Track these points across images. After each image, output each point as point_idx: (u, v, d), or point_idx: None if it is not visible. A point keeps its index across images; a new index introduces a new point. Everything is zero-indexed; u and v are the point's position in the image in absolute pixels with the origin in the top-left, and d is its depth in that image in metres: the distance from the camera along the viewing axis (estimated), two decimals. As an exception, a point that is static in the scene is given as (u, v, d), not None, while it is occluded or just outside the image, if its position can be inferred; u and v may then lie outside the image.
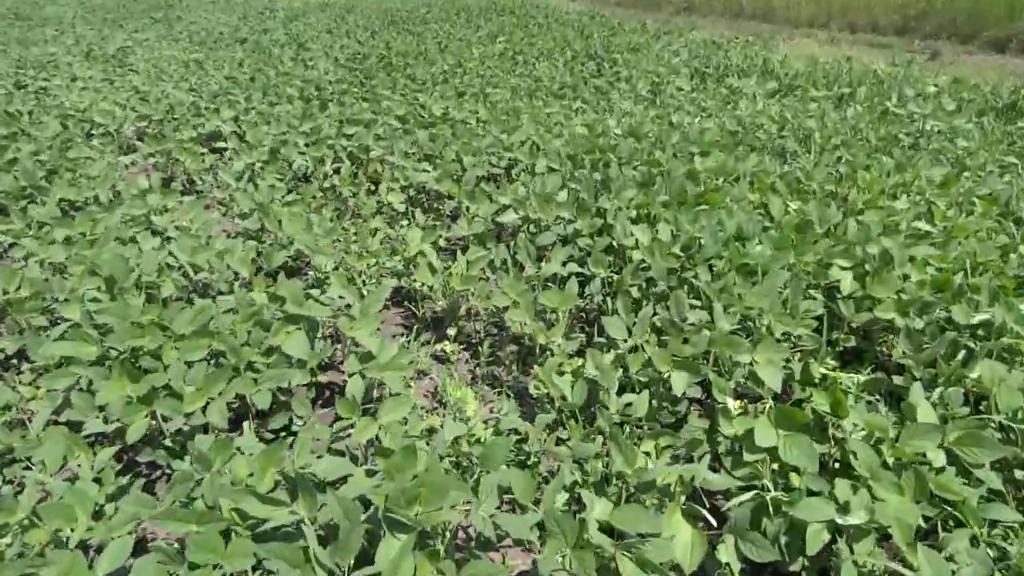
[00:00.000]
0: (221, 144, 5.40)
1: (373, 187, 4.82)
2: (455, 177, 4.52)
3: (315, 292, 2.78)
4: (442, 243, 3.86)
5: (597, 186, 3.85)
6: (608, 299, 2.99)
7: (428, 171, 4.45)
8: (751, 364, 2.28)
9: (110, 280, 2.69)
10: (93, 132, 6.20)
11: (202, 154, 5.23)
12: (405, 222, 4.22)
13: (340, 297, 3.00)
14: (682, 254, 2.90)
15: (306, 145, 5.20)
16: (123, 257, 2.96)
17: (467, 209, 3.97)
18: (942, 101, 5.88)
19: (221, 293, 3.16)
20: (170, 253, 3.24)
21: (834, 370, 2.67)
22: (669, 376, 2.27)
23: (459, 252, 3.43)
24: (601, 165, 4.26)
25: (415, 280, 3.33)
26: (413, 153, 4.89)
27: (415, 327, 3.30)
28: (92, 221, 3.54)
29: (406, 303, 3.56)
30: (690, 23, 15.33)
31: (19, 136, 5.71)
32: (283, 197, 4.09)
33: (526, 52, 9.75)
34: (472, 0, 20.28)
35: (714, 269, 2.88)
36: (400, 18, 14.81)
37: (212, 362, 2.49)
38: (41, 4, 22.43)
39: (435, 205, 4.54)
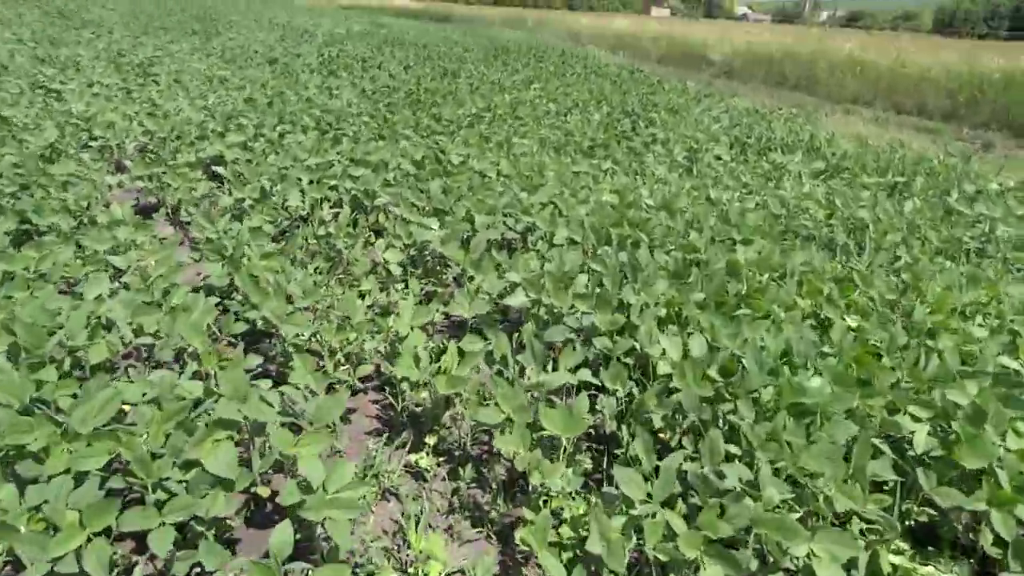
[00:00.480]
0: (221, 171, 4.97)
1: (374, 239, 4.35)
2: (464, 238, 4.03)
3: (263, 385, 2.27)
4: (438, 316, 3.35)
5: (623, 270, 3.33)
6: (624, 425, 2.44)
7: (434, 229, 3.96)
8: (808, 556, 1.73)
9: (14, 347, 2.19)
10: (91, 144, 5.82)
11: (196, 181, 4.80)
12: (401, 285, 3.73)
13: (304, 387, 2.49)
14: (720, 379, 2.36)
15: (309, 182, 4.75)
16: (48, 311, 2.48)
17: (470, 279, 3.47)
18: (1009, 203, 5.34)
19: (161, 365, 2.66)
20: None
21: (902, 552, 2.10)
22: (696, 561, 1.72)
23: (452, 337, 2.92)
24: (629, 244, 3.76)
25: (399, 363, 2.81)
26: (422, 206, 4.42)
27: (393, 423, 2.78)
28: (37, 255, 3.08)
29: (387, 388, 3.03)
30: (731, 88, 15.03)
31: (8, 141, 5.33)
32: (264, 244, 3.61)
33: (560, 102, 9.39)
34: (513, 43, 20.22)
35: (758, 401, 2.33)
36: (437, 54, 14.62)
37: (115, 464, 1.97)
38: (88, 7, 22.71)
39: (437, 267, 4.04)
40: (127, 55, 10.86)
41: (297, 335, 2.83)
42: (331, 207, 4.57)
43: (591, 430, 2.69)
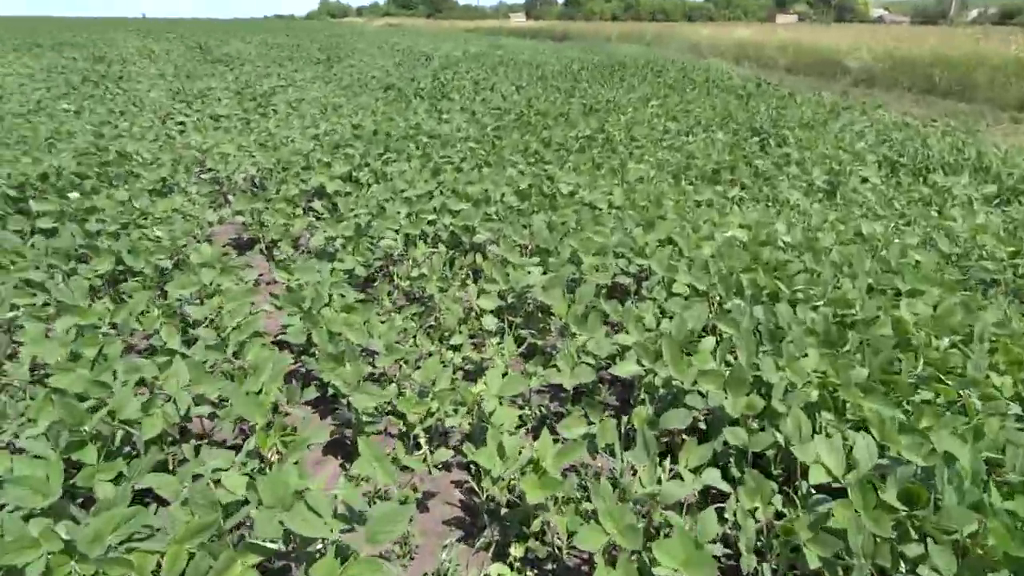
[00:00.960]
0: (317, 206, 4.80)
1: (471, 279, 3.98)
2: (570, 282, 3.59)
3: (330, 466, 1.89)
4: (534, 382, 2.90)
5: (758, 332, 2.75)
6: (765, 561, 1.87)
7: (535, 272, 3.53)
8: None
9: (55, 428, 1.95)
10: (202, 177, 5.88)
11: (294, 217, 4.64)
12: (496, 339, 3.31)
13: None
14: (902, 508, 1.75)
15: (407, 216, 4.47)
16: (100, 383, 2.24)
17: (573, 335, 2.99)
18: None
19: (220, 445, 2.38)
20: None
21: None
22: None
23: (553, 400, 2.45)
24: (765, 295, 3.15)
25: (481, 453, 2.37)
26: (524, 244, 4.00)
27: (476, 511, 2.35)
28: (114, 306, 2.91)
29: (473, 467, 2.61)
30: (871, 97, 13.66)
31: (128, 178, 5.45)
32: (348, 293, 3.31)
33: (680, 120, 8.75)
34: (631, 58, 19.64)
35: (957, 541, 1.70)
36: (550, 73, 14.32)
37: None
38: (229, 40, 24.40)
39: (539, 315, 3.60)
40: (252, 86, 11.29)
41: (367, 407, 2.46)
42: (428, 243, 4.25)
43: (719, 546, 2.13)
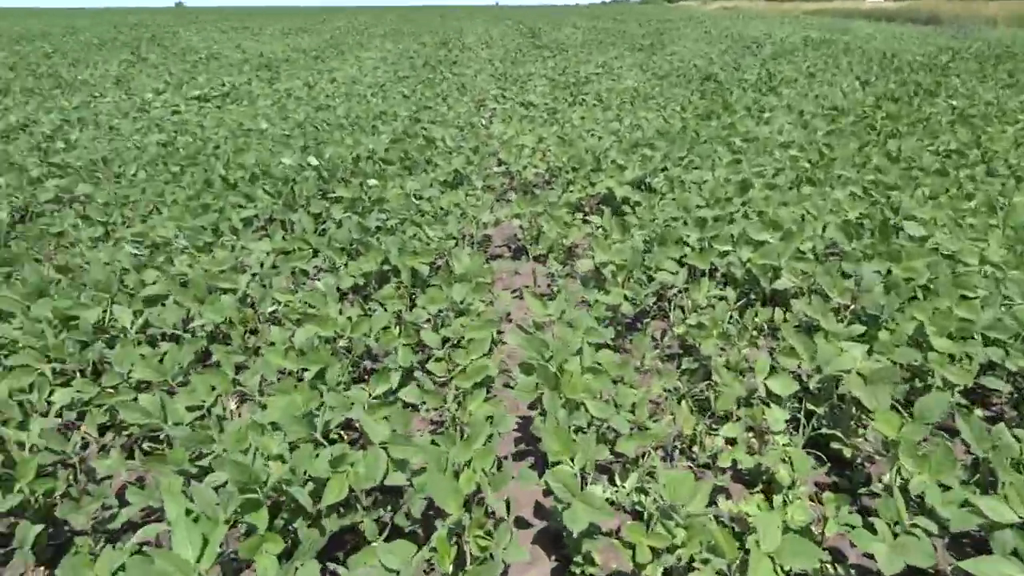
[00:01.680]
0: (596, 219, 4.30)
1: (764, 337, 3.12)
2: (907, 374, 2.57)
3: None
4: (831, 527, 2.02)
5: None
6: None
7: (855, 351, 2.56)
8: None
9: (225, 493, 1.70)
10: (495, 170, 5.76)
11: (569, 227, 4.20)
12: (783, 439, 2.47)
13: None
14: None
15: (699, 241, 3.75)
16: (298, 421, 1.98)
17: (903, 484, 2.03)
18: None
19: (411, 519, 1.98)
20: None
21: None
22: None
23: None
24: None
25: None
26: (844, 305, 3.02)
27: None
28: (355, 317, 2.71)
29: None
30: None
31: (426, 166, 5.54)
32: (603, 338, 2.73)
33: (1099, 135, 6.46)
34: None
35: None
36: (908, 64, 11.96)
37: None
38: (561, 27, 25.26)
39: (851, 411, 2.63)
40: (568, 73, 11.23)
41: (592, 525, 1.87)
42: (715, 281, 3.48)
43: None
